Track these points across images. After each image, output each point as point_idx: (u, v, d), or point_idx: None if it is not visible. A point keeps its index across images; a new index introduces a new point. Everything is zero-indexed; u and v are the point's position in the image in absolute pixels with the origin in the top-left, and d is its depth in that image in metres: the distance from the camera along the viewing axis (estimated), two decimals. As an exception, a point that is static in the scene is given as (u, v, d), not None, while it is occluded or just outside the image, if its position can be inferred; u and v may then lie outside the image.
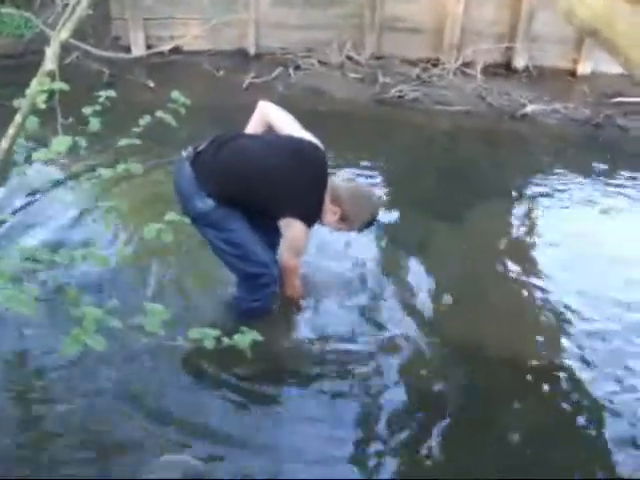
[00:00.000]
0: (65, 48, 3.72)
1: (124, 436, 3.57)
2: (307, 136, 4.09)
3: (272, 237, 4.22)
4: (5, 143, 3.10)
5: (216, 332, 2.49)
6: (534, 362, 4.32)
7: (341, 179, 4.20)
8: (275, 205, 3.89)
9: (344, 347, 4.31)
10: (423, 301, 4.80)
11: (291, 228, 3.91)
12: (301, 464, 3.49)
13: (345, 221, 4.06)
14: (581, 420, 3.93)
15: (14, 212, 5.50)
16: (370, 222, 4.14)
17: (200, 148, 3.96)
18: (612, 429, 3.84)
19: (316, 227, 4.12)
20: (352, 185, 4.23)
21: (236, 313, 4.31)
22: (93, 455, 3.45)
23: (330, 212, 4.01)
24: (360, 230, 4.26)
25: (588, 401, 4.05)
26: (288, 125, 4.12)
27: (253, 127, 4.21)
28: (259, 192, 3.86)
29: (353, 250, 5.33)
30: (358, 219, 4.07)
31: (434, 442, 3.65)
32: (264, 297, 4.21)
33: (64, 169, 6.11)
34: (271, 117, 4.17)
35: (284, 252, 4.09)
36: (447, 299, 4.82)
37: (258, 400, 3.90)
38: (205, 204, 3.81)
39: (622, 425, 3.89)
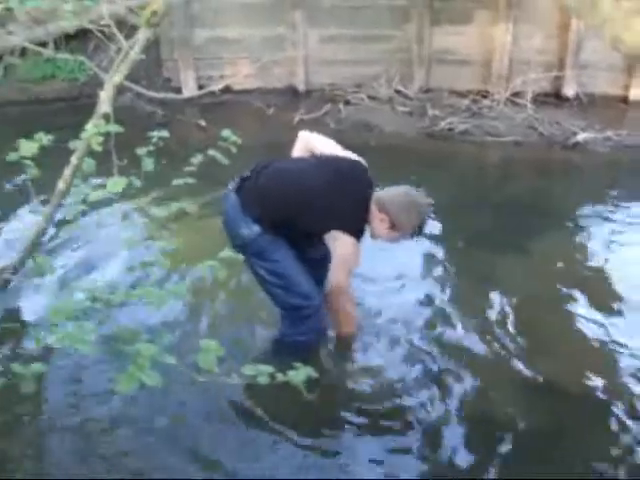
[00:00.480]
0: (118, 90, 3.81)
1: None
2: (348, 154, 4.11)
3: (319, 271, 4.15)
4: (62, 184, 3.18)
5: (269, 368, 2.49)
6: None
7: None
8: (319, 223, 3.89)
9: (398, 386, 4.27)
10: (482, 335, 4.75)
11: (339, 243, 3.91)
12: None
13: (395, 227, 3.91)
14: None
15: (71, 252, 5.60)
16: (421, 226, 3.98)
17: (244, 175, 3.97)
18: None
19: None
20: (398, 190, 4.01)
21: (282, 349, 4.25)
22: None
23: (377, 220, 3.90)
24: (413, 235, 4.03)
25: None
26: (329, 147, 4.13)
27: (296, 154, 4.24)
28: (300, 212, 3.83)
29: (412, 283, 5.35)
30: (408, 223, 3.92)
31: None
32: (308, 331, 4.13)
33: (119, 209, 6.21)
34: (312, 142, 4.19)
35: (333, 271, 4.01)
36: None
37: (312, 441, 3.88)
38: (251, 230, 3.80)
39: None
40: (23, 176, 3.54)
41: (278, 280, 3.95)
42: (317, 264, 4.15)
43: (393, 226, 3.89)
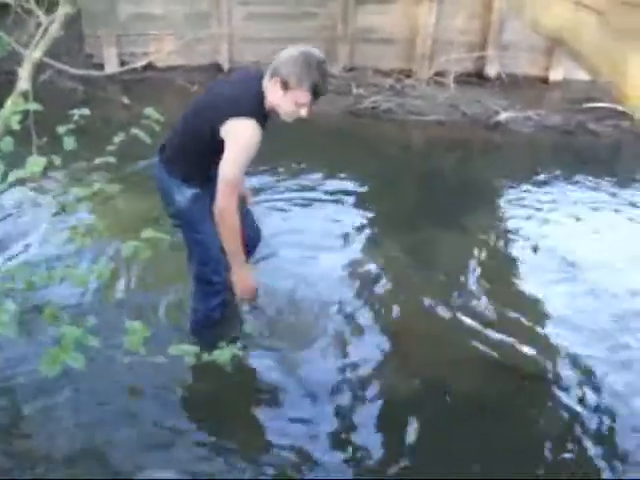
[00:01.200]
0: (38, 67, 3.74)
1: (103, 456, 3.58)
2: None
3: None
4: (-20, 164, 3.10)
5: (195, 348, 2.50)
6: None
7: None
8: (216, 121, 3.58)
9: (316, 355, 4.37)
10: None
11: (233, 130, 3.54)
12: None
13: (288, 87, 3.49)
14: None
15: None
16: (320, 75, 3.50)
17: (163, 142, 3.98)
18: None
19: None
20: (288, 50, 3.58)
21: (198, 326, 4.28)
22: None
23: (272, 89, 3.55)
24: (312, 92, 3.51)
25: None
26: None
27: None
28: (200, 122, 3.69)
29: (337, 255, 5.46)
30: (299, 77, 3.47)
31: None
32: (217, 306, 4.18)
33: (39, 189, 6.11)
34: None
35: (224, 164, 3.54)
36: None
37: (238, 413, 3.92)
38: (183, 196, 3.78)
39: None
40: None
41: (202, 251, 3.95)
42: None
43: (286, 86, 3.49)
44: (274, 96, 3.56)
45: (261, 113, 3.58)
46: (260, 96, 3.60)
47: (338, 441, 3.74)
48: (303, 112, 3.58)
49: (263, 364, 4.26)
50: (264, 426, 3.88)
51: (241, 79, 3.81)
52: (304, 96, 3.51)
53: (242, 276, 3.80)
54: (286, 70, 3.48)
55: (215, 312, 4.21)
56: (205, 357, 2.51)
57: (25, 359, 4.07)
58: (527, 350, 4.49)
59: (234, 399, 4.00)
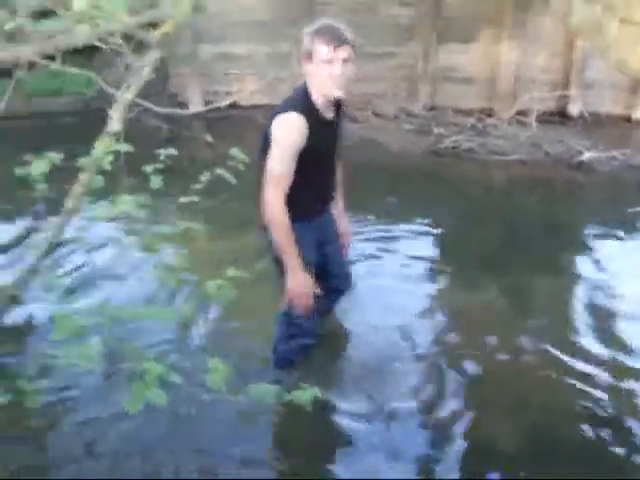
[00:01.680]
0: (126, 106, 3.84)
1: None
2: None
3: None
4: (71, 202, 3.19)
5: (276, 388, 2.50)
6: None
7: None
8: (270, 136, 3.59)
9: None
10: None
11: (273, 130, 3.56)
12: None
13: (312, 57, 3.48)
14: None
15: (76, 268, 5.64)
16: (326, 27, 3.48)
17: None
18: None
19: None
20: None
21: (275, 363, 4.30)
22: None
23: (306, 73, 3.58)
24: (332, 40, 3.42)
25: None
26: None
27: None
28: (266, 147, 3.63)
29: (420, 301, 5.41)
30: (314, 39, 3.45)
31: None
32: (299, 349, 4.18)
33: (127, 227, 6.23)
34: None
35: (268, 161, 3.57)
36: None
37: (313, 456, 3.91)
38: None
39: None
40: (32, 192, 3.56)
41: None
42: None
43: (309, 57, 3.50)
44: (310, 76, 3.55)
45: (306, 106, 3.55)
46: (303, 93, 3.61)
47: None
48: (337, 69, 3.44)
49: (342, 409, 4.23)
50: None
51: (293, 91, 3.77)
52: (324, 52, 3.43)
53: (296, 279, 3.66)
54: (303, 47, 3.51)
55: (295, 354, 4.22)
56: (285, 397, 2.51)
57: (108, 393, 4.14)
58: None
59: (312, 440, 3.99)
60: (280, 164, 3.52)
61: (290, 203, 3.56)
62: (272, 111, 3.64)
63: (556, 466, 3.80)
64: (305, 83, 3.63)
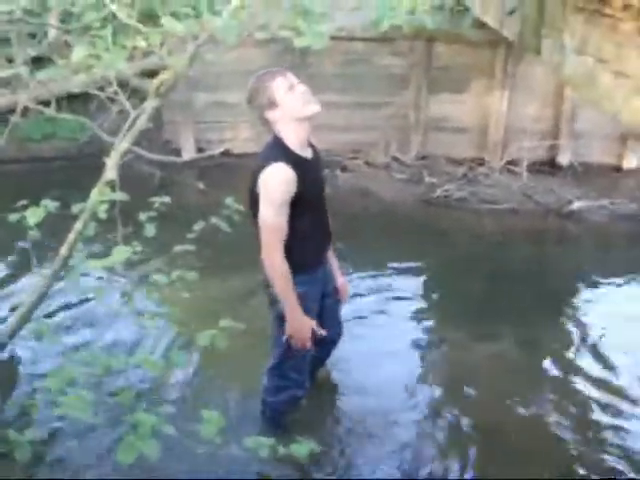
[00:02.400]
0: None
1: None
2: None
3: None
4: (64, 250, 3.20)
5: (271, 441, 2.48)
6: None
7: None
8: (253, 190, 3.59)
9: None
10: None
11: (261, 183, 3.52)
12: None
13: (276, 102, 3.54)
14: None
15: (71, 316, 5.60)
16: (267, 70, 3.67)
17: None
18: None
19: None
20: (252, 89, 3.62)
21: (263, 415, 4.29)
22: None
23: (275, 121, 3.59)
24: (277, 73, 3.58)
25: None
26: None
27: None
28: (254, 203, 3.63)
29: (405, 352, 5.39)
30: (267, 79, 3.58)
31: None
32: (287, 401, 4.16)
33: (121, 275, 6.22)
34: None
35: (260, 214, 3.54)
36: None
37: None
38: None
39: None
40: (24, 239, 3.56)
41: (289, 347, 3.85)
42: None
43: (274, 104, 3.55)
44: (280, 120, 3.57)
45: (285, 153, 3.55)
46: (277, 143, 3.61)
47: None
48: (300, 87, 3.55)
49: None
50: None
51: (264, 147, 3.73)
52: (281, 84, 3.54)
53: (296, 321, 3.66)
54: (259, 104, 3.56)
55: (284, 406, 4.19)
56: (281, 450, 2.49)
57: (100, 444, 4.10)
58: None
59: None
60: (274, 216, 3.50)
61: (297, 255, 3.58)
62: (253, 169, 3.62)
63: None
64: (274, 137, 3.64)
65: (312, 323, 3.73)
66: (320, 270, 3.92)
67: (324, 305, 4.07)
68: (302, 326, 3.68)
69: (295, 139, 3.59)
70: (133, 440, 2.38)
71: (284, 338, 3.74)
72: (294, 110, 3.54)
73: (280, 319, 3.78)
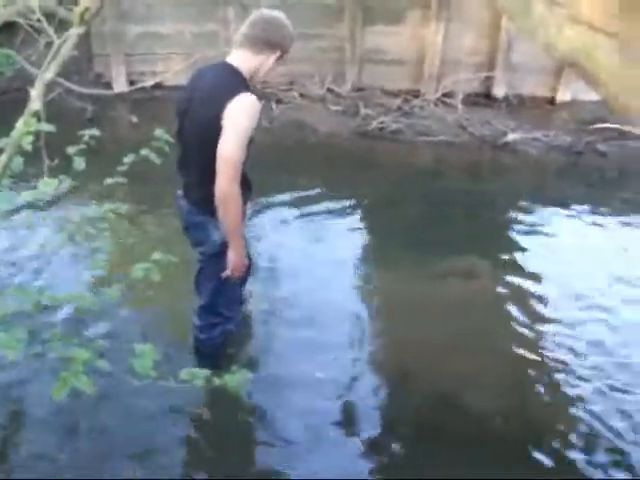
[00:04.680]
0: (47, 85, 3.75)
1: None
2: None
3: None
4: (-10, 184, 3.10)
5: (205, 372, 2.47)
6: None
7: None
8: (218, 116, 3.42)
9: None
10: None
11: (232, 110, 3.40)
12: None
13: (279, 48, 3.64)
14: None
15: (0, 254, 5.49)
16: (292, 33, 3.71)
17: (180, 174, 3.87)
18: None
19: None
20: (265, 19, 3.63)
21: (197, 351, 4.31)
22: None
23: (264, 60, 3.64)
24: (290, 45, 3.72)
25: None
26: None
27: None
28: (203, 129, 3.52)
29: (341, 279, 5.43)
30: (285, 38, 3.66)
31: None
32: (220, 335, 4.20)
33: (51, 210, 6.09)
34: None
35: (222, 143, 3.39)
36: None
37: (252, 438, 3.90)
38: (221, 234, 3.66)
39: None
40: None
41: (221, 285, 3.87)
42: None
43: (274, 47, 3.62)
44: (267, 66, 3.66)
45: (248, 87, 3.55)
46: (237, 74, 3.58)
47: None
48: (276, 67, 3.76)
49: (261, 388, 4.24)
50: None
51: (214, 70, 3.69)
52: (286, 52, 3.74)
53: (238, 255, 3.66)
54: (286, 41, 3.66)
55: (218, 339, 4.21)
56: (215, 381, 2.49)
57: (33, 381, 4.06)
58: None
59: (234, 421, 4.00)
60: (240, 149, 3.41)
61: None
62: (208, 92, 3.53)
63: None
64: (231, 68, 3.60)
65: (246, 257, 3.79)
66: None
67: None
68: (243, 255, 3.72)
69: (251, 78, 3.64)
70: (66, 376, 2.35)
71: (223, 274, 3.73)
72: (262, 71, 3.66)
73: (212, 257, 3.80)
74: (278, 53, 3.63)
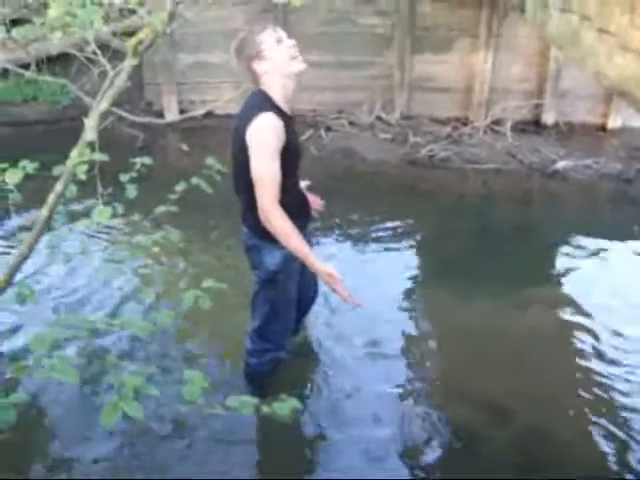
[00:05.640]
0: (101, 115, 3.82)
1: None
2: None
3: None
4: (45, 211, 3.16)
5: (254, 400, 2.48)
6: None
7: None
8: (244, 142, 3.45)
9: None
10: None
11: (250, 133, 3.42)
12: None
13: (261, 46, 3.53)
14: None
15: (53, 279, 5.57)
16: (258, 25, 3.64)
17: None
18: None
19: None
20: (243, 42, 3.59)
21: (247, 376, 4.30)
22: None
23: (260, 72, 3.57)
24: (267, 28, 3.60)
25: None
26: None
27: None
28: (241, 157, 3.51)
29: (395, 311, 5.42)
30: (256, 32, 3.57)
31: None
32: (271, 361, 4.16)
33: (103, 237, 6.19)
34: None
35: (252, 166, 3.41)
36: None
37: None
38: (274, 259, 3.65)
39: None
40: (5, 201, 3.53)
41: (274, 309, 3.87)
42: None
43: (258, 54, 3.53)
44: (266, 72, 3.55)
45: (272, 106, 3.49)
46: (262, 96, 3.55)
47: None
48: (288, 41, 3.57)
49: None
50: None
51: (249, 98, 3.67)
52: (270, 36, 3.55)
53: (316, 267, 3.48)
54: (246, 54, 3.54)
55: (267, 367, 4.19)
56: (264, 409, 2.48)
57: (85, 407, 4.09)
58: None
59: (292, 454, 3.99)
60: (267, 164, 3.39)
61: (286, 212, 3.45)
62: (238, 123, 3.55)
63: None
64: (259, 90, 3.60)
65: (330, 267, 3.52)
66: (304, 229, 3.87)
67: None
68: (327, 271, 3.48)
69: (280, 93, 3.55)
70: (116, 402, 2.37)
71: (278, 297, 3.75)
72: (281, 63, 3.52)
73: (265, 282, 3.78)
74: (255, 59, 3.54)
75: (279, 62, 3.52)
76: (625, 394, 4.54)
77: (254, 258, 3.79)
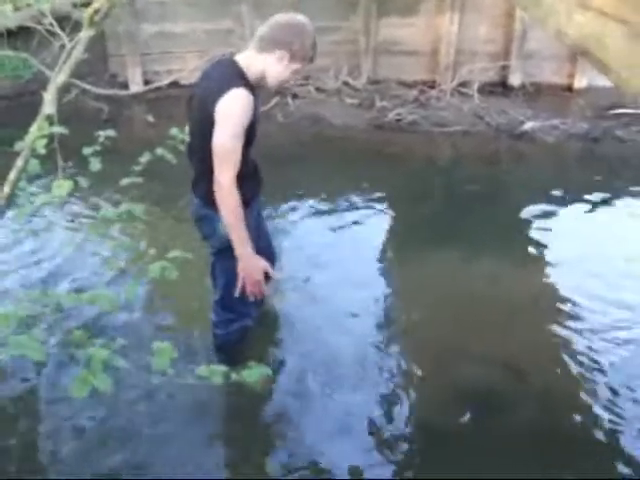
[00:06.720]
0: (63, 87, 3.77)
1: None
2: None
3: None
4: (7, 188, 3.14)
5: (223, 368, 2.48)
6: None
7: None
8: (212, 113, 3.37)
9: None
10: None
11: (222, 105, 3.35)
12: None
13: (294, 58, 3.50)
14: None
15: (18, 256, 5.53)
16: (315, 44, 3.58)
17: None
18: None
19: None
20: (277, 22, 3.56)
21: (216, 347, 4.31)
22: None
23: (275, 62, 3.49)
24: (311, 58, 3.60)
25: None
26: None
27: None
28: (203, 126, 3.45)
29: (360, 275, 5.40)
30: (305, 47, 3.51)
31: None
32: (238, 331, 4.19)
33: (67, 211, 6.14)
34: None
35: (215, 137, 3.37)
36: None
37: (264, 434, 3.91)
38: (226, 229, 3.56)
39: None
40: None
41: (234, 278, 3.75)
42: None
43: (293, 57, 3.49)
44: (273, 67, 3.50)
45: (246, 83, 3.44)
46: (235, 67, 3.51)
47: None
48: (293, 77, 3.64)
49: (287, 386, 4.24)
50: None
51: (217, 67, 3.65)
52: (303, 66, 3.58)
53: (249, 264, 3.54)
54: (292, 42, 3.46)
55: (234, 336, 4.20)
56: (233, 377, 2.49)
57: (54, 381, 4.08)
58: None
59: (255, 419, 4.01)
60: (232, 138, 3.35)
61: (239, 186, 3.43)
62: (205, 90, 3.49)
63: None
64: (231, 61, 3.57)
65: (263, 263, 3.61)
66: (256, 202, 3.88)
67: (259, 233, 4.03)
68: (254, 266, 3.57)
69: (256, 77, 3.52)
70: (85, 375, 2.36)
71: (235, 289, 3.67)
72: (285, 75, 3.54)
73: (221, 252, 3.75)
74: (287, 55, 3.46)
75: (286, 73, 3.54)
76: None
77: (206, 228, 3.77)
